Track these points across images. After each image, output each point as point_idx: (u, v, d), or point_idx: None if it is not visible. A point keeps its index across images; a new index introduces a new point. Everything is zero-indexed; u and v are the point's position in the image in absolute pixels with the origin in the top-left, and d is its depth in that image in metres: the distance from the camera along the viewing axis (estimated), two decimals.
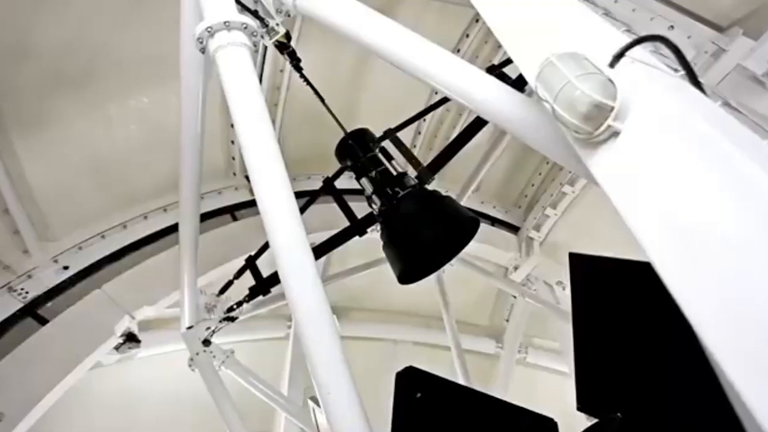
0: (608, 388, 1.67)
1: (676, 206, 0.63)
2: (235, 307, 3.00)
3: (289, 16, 1.89)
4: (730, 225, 0.57)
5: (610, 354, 1.68)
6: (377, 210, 2.34)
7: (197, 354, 2.96)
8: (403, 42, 1.46)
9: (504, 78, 3.02)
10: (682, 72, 0.87)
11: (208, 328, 2.99)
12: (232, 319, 3.05)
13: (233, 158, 3.92)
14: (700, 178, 0.62)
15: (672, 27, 2.89)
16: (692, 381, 1.43)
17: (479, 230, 4.77)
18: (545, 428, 1.90)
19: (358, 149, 2.46)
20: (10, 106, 2.69)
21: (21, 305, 2.85)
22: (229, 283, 3.05)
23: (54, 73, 2.76)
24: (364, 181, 2.42)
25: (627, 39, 0.89)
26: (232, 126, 3.78)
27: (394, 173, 2.41)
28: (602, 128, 0.78)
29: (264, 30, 1.85)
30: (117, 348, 3.08)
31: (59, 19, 2.60)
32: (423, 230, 2.14)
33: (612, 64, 0.83)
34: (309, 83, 2.41)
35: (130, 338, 3.12)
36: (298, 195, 3.14)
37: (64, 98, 2.87)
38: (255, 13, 1.84)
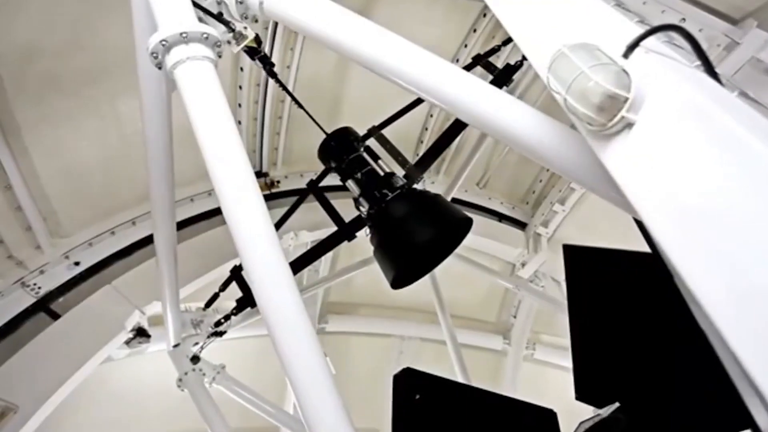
0: (606, 377, 1.67)
1: (693, 197, 0.62)
2: (222, 320, 2.90)
3: (256, 21, 1.68)
4: (750, 214, 0.56)
5: (606, 343, 1.69)
6: (365, 213, 2.22)
7: (186, 374, 2.84)
8: (385, 46, 1.30)
9: (490, 67, 2.97)
10: (698, 62, 0.85)
11: (196, 344, 2.89)
12: (221, 334, 2.94)
13: None
14: (718, 169, 0.61)
15: (684, 20, 2.84)
16: (690, 367, 1.44)
17: (487, 226, 4.73)
18: (545, 419, 1.91)
19: (341, 150, 2.33)
20: (22, 106, 2.72)
21: (34, 300, 2.90)
22: (215, 296, 2.94)
23: (62, 73, 2.79)
24: (350, 183, 2.30)
25: (640, 29, 0.87)
26: (239, 122, 3.79)
27: (381, 174, 2.28)
28: (616, 119, 0.77)
29: (230, 35, 1.65)
30: (127, 343, 3.12)
31: (63, 19, 2.62)
32: (415, 235, 2.03)
33: (626, 55, 0.82)
34: (284, 87, 2.29)
35: (140, 333, 3.15)
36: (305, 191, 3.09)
37: (73, 97, 2.90)
38: (219, 17, 1.63)
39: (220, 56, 1.44)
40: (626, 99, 0.76)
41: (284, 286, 1.17)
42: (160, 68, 1.38)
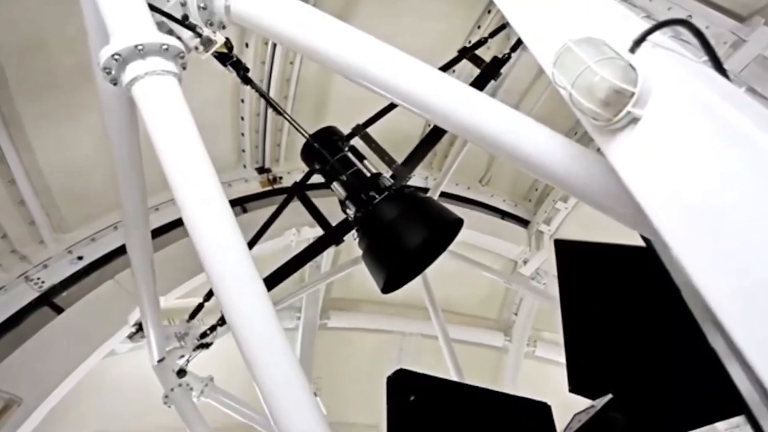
0: (598, 369, 1.69)
1: (699, 192, 0.62)
2: (208, 332, 2.82)
3: (224, 27, 1.51)
4: (757, 211, 0.55)
5: (598, 336, 1.70)
6: (353, 216, 2.15)
7: (172, 390, 2.72)
8: (367, 54, 1.18)
9: (477, 61, 2.89)
10: (705, 58, 0.84)
11: (182, 356, 2.81)
12: (207, 346, 2.85)
13: (243, 150, 3.94)
14: (725, 165, 0.61)
15: (690, 16, 2.81)
16: (681, 356, 1.46)
17: (489, 224, 4.69)
18: (538, 412, 1.93)
19: (324, 151, 2.24)
20: (25, 101, 2.72)
21: (37, 294, 2.92)
22: (200, 306, 2.88)
23: (66, 67, 2.79)
24: (335, 185, 2.21)
25: (647, 24, 0.86)
26: (242, 118, 3.79)
27: (368, 174, 2.20)
28: (621, 114, 0.76)
29: (198, 41, 1.47)
30: (130, 337, 3.13)
31: (63, 14, 2.62)
32: (404, 240, 1.95)
33: (632, 50, 0.81)
34: (260, 92, 2.21)
35: (142, 328, 3.16)
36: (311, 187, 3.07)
37: (74, 93, 2.90)
38: (184, 21, 1.44)
39: (184, 68, 1.28)
40: (632, 94, 0.75)
41: (257, 307, 1.06)
42: (115, 84, 1.22)
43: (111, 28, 1.22)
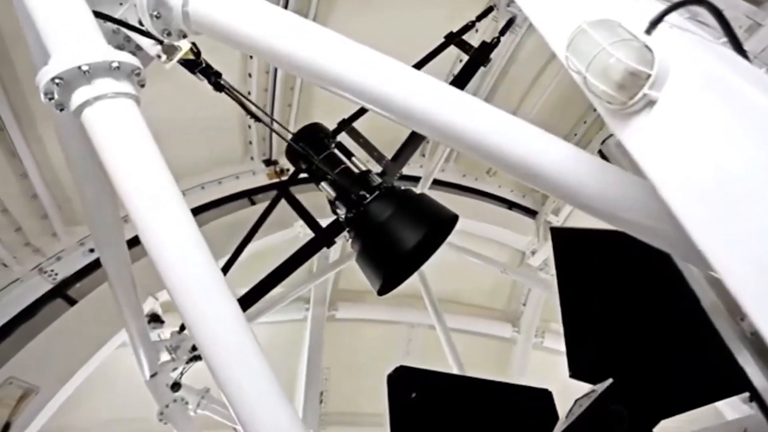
0: (598, 354, 1.70)
1: (720, 174, 0.61)
2: None
3: (185, 36, 1.31)
4: None
5: (597, 321, 1.71)
6: (344, 217, 2.08)
7: (167, 406, 2.62)
8: (347, 60, 1.05)
9: (464, 46, 2.81)
10: (724, 39, 0.82)
11: (175, 369, 2.72)
12: (200, 357, 2.77)
13: (250, 142, 3.95)
14: (745, 146, 0.59)
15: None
16: (680, 337, 1.45)
17: (496, 214, 4.65)
18: (540, 399, 1.94)
19: (309, 150, 2.15)
20: (35, 95, 2.74)
21: (51, 286, 2.97)
22: None
23: None
24: (324, 185, 2.14)
25: (663, 5, 0.84)
26: None
27: (357, 172, 2.11)
28: (637, 97, 0.75)
29: (159, 48, 1.28)
30: None
31: None
32: (400, 243, 1.88)
33: (648, 31, 0.79)
34: (237, 98, 2.01)
35: (154, 319, 3.20)
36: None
37: None
38: (141, 29, 1.26)
39: (142, 85, 1.11)
40: (648, 76, 0.73)
41: (231, 335, 0.99)
42: (62, 110, 1.03)
43: (49, 44, 1.03)
